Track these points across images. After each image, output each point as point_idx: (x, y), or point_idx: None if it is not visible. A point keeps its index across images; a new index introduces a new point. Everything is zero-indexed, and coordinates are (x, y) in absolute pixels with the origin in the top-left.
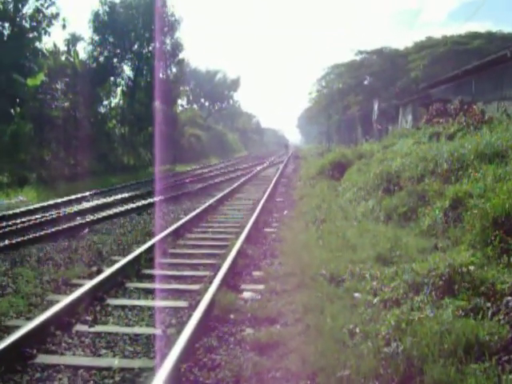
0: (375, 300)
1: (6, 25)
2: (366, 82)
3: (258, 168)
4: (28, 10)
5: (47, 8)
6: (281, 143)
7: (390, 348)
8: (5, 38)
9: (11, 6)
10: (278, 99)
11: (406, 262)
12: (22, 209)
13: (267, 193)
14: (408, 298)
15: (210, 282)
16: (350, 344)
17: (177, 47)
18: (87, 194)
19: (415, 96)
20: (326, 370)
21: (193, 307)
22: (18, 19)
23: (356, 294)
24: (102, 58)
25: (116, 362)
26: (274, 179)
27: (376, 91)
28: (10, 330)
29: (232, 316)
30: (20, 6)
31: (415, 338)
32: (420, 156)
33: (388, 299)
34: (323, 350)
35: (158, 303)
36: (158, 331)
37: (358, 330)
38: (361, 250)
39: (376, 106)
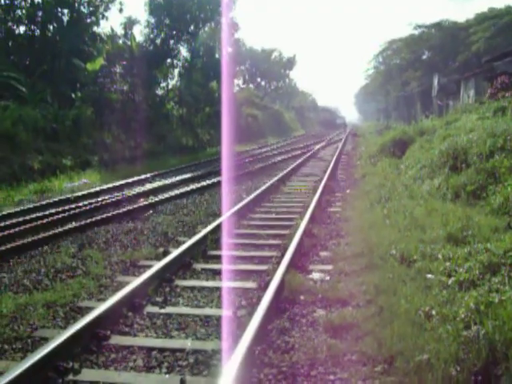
0: (450, 281)
1: (66, 11)
2: (424, 57)
3: (317, 147)
4: None
5: None
6: (330, 120)
7: (470, 332)
8: (64, 24)
9: None
10: (334, 77)
11: (479, 242)
12: (87, 191)
13: (328, 172)
14: (485, 280)
15: (278, 263)
16: (427, 327)
17: (232, 27)
18: (148, 175)
19: (478, 70)
20: (403, 354)
21: (262, 288)
22: (76, 5)
23: (429, 275)
24: (158, 41)
25: (189, 344)
26: (334, 158)
27: (435, 66)
28: (83, 311)
29: (302, 297)
30: None
31: (497, 322)
32: (488, 132)
33: (463, 280)
34: (399, 333)
35: (227, 284)
36: (228, 313)
37: (434, 313)
38: (430, 230)
39: (436, 82)
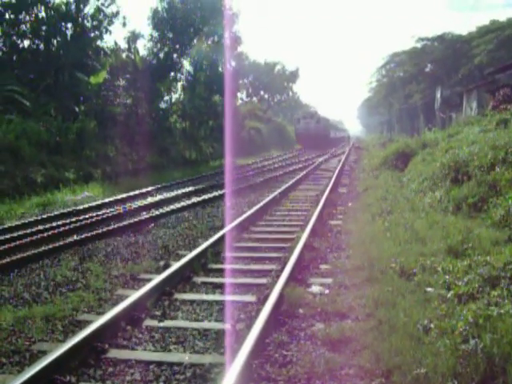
0: (449, 294)
1: (69, 25)
2: (427, 70)
3: (320, 159)
4: (89, 9)
5: (107, 7)
6: (317, 134)
7: (468, 345)
8: (68, 38)
9: (73, 6)
10: (337, 90)
11: (479, 255)
12: (89, 204)
13: (330, 185)
14: (484, 293)
15: (278, 276)
16: (425, 340)
17: (235, 40)
18: (151, 188)
19: (480, 82)
20: (401, 368)
21: (261, 301)
22: (80, 19)
23: (428, 289)
24: (161, 54)
25: (186, 358)
26: (337, 171)
27: (438, 79)
28: (81, 324)
29: (301, 311)
30: (82, 6)
31: (495, 335)
32: (489, 144)
33: (463, 294)
34: (397, 347)
35: (226, 297)
36: (227, 326)
37: (432, 326)
38: (431, 243)
39: (438, 94)
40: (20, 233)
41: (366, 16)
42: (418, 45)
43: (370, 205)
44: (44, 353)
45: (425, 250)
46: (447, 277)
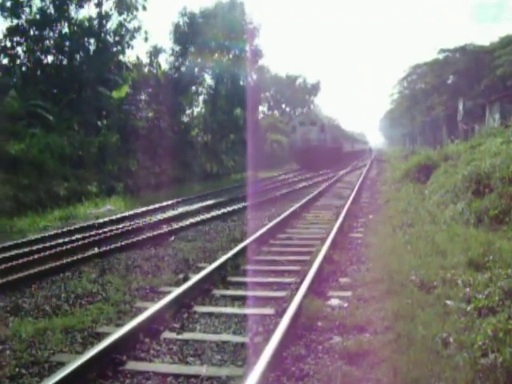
0: (469, 308)
1: (92, 40)
2: (449, 81)
3: (341, 172)
4: (112, 25)
5: (129, 22)
6: (317, 146)
7: (487, 359)
8: (91, 53)
9: (96, 22)
10: (359, 102)
11: (500, 268)
12: (110, 217)
13: (351, 197)
14: (505, 306)
15: (297, 289)
16: (444, 354)
17: (256, 54)
18: (172, 201)
19: (503, 93)
20: (419, 382)
21: (280, 314)
22: (102, 35)
23: (448, 302)
24: (183, 68)
25: (204, 370)
26: (358, 183)
27: (460, 90)
28: (100, 336)
29: (319, 324)
30: (104, 21)
31: None
32: (511, 156)
33: (482, 307)
34: (416, 361)
35: (245, 310)
36: (245, 339)
37: (451, 340)
38: (451, 256)
39: (461, 106)
40: (42, 246)
41: (388, 28)
42: (440, 56)
43: (391, 217)
44: (63, 364)
45: (445, 262)
46: (467, 290)
